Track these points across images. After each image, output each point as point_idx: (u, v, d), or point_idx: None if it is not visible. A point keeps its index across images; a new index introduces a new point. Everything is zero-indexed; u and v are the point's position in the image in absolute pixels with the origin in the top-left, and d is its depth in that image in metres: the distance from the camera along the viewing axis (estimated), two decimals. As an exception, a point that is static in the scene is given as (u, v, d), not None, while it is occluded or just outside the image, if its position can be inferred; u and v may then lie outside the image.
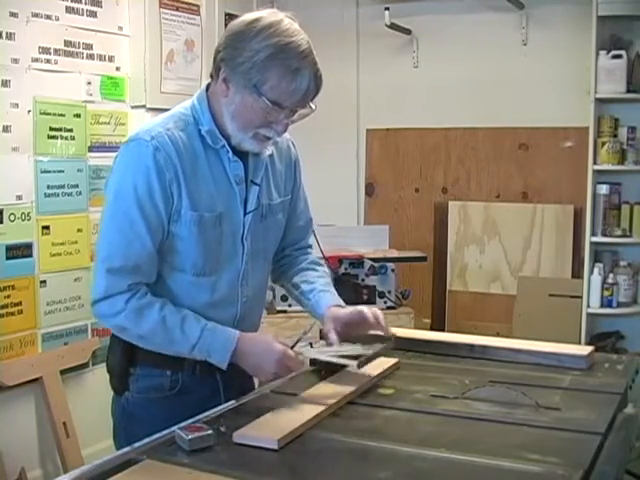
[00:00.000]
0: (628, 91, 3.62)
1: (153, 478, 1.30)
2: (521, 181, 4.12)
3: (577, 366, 1.87)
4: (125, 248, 1.61)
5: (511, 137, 4.12)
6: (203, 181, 1.66)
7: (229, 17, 4.06)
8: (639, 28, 3.74)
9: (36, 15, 3.08)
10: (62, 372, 3.23)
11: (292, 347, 1.67)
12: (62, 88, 3.22)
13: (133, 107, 3.57)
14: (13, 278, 3.06)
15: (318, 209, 3.57)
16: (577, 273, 3.93)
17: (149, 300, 1.64)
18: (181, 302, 1.68)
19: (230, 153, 1.67)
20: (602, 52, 3.61)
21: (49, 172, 3.19)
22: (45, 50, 3.13)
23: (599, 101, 3.67)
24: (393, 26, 4.11)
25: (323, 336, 1.82)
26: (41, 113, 3.14)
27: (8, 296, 3.04)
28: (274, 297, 3.41)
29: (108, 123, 3.46)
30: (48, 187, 3.19)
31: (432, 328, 3.86)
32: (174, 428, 1.44)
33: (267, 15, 1.59)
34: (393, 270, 3.47)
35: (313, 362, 1.82)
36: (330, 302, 1.85)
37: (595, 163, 3.68)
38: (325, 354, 1.74)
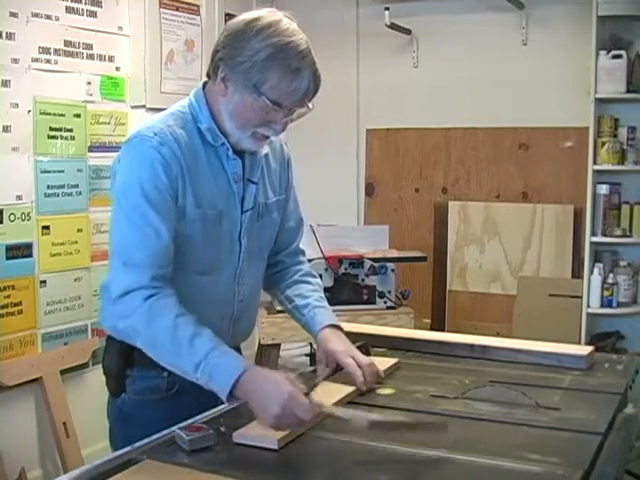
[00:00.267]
0: (628, 91, 3.62)
1: (153, 478, 1.30)
2: (521, 181, 4.12)
3: (577, 366, 1.87)
4: (141, 240, 1.56)
5: (511, 137, 4.12)
6: (204, 178, 1.65)
7: (229, 17, 4.05)
8: (639, 28, 3.74)
9: (36, 15, 3.08)
10: (62, 372, 3.23)
11: (308, 393, 1.45)
12: (62, 88, 3.22)
13: (133, 107, 3.57)
14: (13, 278, 3.06)
15: (318, 209, 3.60)
16: (577, 273, 3.93)
17: (167, 304, 1.54)
18: (180, 301, 1.67)
19: (230, 151, 1.67)
20: (602, 52, 3.61)
21: (49, 172, 3.19)
22: (45, 50, 3.13)
23: (599, 101, 3.67)
24: (393, 26, 4.11)
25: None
26: (41, 113, 3.14)
27: (8, 296, 3.04)
28: (274, 297, 3.41)
29: (108, 123, 3.46)
30: (48, 187, 3.19)
31: (432, 328, 3.86)
32: (174, 428, 1.44)
33: (266, 14, 1.59)
34: (393, 270, 3.47)
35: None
36: (325, 320, 1.82)
37: (595, 163, 3.68)
38: (344, 410, 1.51)
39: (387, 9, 4.02)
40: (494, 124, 4.12)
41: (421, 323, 3.72)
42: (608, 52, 3.61)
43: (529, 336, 2.17)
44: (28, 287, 3.12)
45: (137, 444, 1.42)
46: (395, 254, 3.65)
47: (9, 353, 3.05)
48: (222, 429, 1.45)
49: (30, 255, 3.12)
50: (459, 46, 4.16)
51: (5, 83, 2.98)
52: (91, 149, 3.37)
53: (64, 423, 3.18)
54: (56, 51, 3.18)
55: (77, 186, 3.31)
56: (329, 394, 1.63)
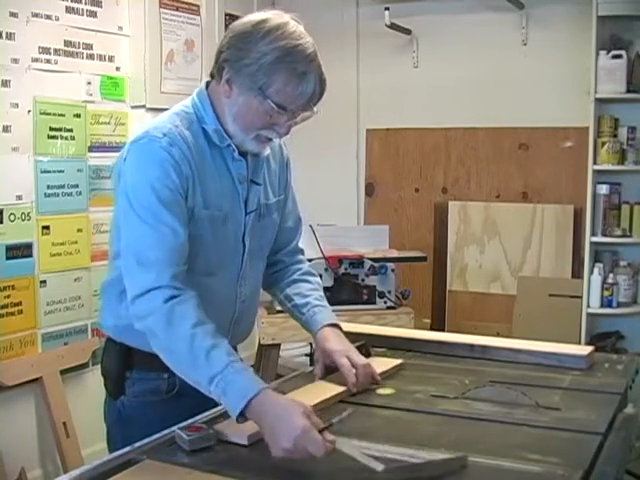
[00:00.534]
0: (628, 91, 3.62)
1: (153, 478, 1.30)
2: (521, 181, 4.12)
3: (577, 366, 1.87)
4: (157, 239, 1.52)
5: (511, 137, 4.12)
6: (211, 179, 1.64)
7: (229, 17, 4.07)
8: (639, 28, 3.74)
9: (36, 15, 3.08)
10: (62, 372, 3.23)
11: (322, 429, 1.34)
12: (62, 88, 3.22)
13: (133, 107, 3.57)
14: (13, 278, 3.06)
15: (318, 209, 3.61)
16: (577, 273, 3.93)
17: (188, 309, 1.49)
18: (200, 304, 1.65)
19: (236, 152, 1.66)
20: (602, 52, 3.61)
21: (49, 172, 3.19)
22: (45, 50, 3.13)
23: (599, 101, 3.67)
24: (393, 26, 4.11)
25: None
26: (41, 113, 3.14)
27: (8, 296, 3.04)
28: (274, 297, 3.41)
29: (108, 123, 3.46)
30: (48, 187, 3.19)
31: (432, 328, 3.86)
32: (174, 428, 1.44)
33: (273, 17, 1.57)
34: (393, 270, 3.47)
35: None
36: (324, 320, 1.82)
37: (595, 163, 3.68)
38: (358, 449, 1.35)
39: (387, 9, 4.02)
40: (494, 124, 4.12)
41: (421, 323, 3.72)
42: (608, 52, 3.61)
43: (529, 336, 2.17)
44: (28, 287, 3.12)
45: (137, 444, 1.42)
46: (395, 254, 3.65)
47: (9, 353, 3.05)
48: (222, 429, 1.45)
49: (30, 255, 3.12)
50: (459, 46, 4.16)
51: (5, 83, 2.98)
52: (91, 149, 3.37)
53: (64, 423, 3.18)
54: (56, 51, 3.18)
55: (77, 186, 3.31)
56: (317, 393, 1.64)
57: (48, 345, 3.21)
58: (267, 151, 1.74)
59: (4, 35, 2.96)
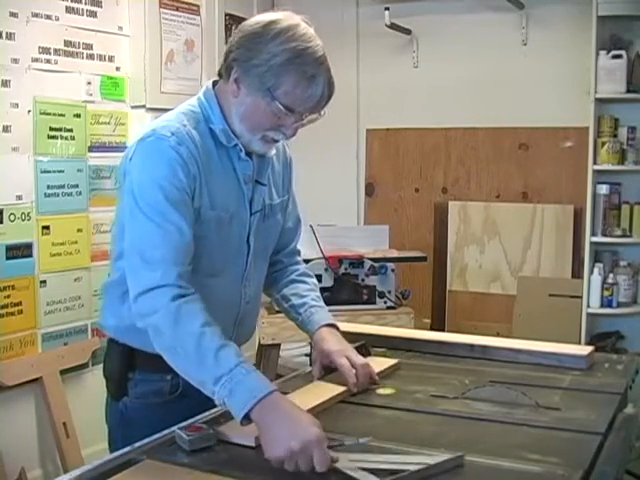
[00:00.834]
0: (628, 91, 3.62)
1: (153, 478, 1.30)
2: (521, 181, 4.12)
3: (577, 366, 1.87)
4: (162, 237, 1.50)
5: (511, 137, 4.12)
6: (217, 180, 1.63)
7: (229, 17, 4.07)
8: (639, 28, 3.74)
9: (36, 15, 3.08)
10: (62, 372, 3.23)
11: (330, 446, 1.33)
12: (62, 88, 3.22)
13: (133, 107, 3.57)
14: (13, 278, 3.06)
15: (318, 209, 3.60)
16: (577, 273, 3.93)
17: (196, 309, 1.47)
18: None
19: (242, 152, 1.65)
20: (602, 52, 3.61)
21: (49, 172, 3.19)
22: (45, 50, 3.13)
23: (599, 101, 3.67)
24: (393, 26, 4.11)
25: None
26: (41, 113, 3.14)
27: (8, 296, 3.04)
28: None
29: (108, 123, 3.46)
30: (48, 187, 3.19)
31: (432, 328, 3.86)
32: (174, 428, 1.44)
33: (284, 18, 1.56)
34: (393, 270, 3.47)
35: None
36: (321, 320, 1.82)
37: (595, 163, 3.68)
38: (359, 463, 1.31)
39: (387, 9, 4.02)
40: (494, 124, 4.12)
41: (421, 323, 3.72)
42: (608, 52, 3.61)
43: (529, 336, 2.17)
44: (28, 287, 3.12)
45: (137, 444, 1.42)
46: (395, 254, 3.65)
47: (9, 353, 3.05)
48: (222, 429, 1.45)
49: (30, 255, 3.12)
50: (459, 46, 4.16)
51: (5, 83, 2.98)
52: (91, 149, 3.37)
53: (64, 423, 3.18)
54: (56, 51, 3.18)
55: (77, 186, 3.31)
56: (318, 393, 1.64)
57: (48, 345, 3.21)
58: (273, 152, 1.73)
59: (4, 35, 2.96)
